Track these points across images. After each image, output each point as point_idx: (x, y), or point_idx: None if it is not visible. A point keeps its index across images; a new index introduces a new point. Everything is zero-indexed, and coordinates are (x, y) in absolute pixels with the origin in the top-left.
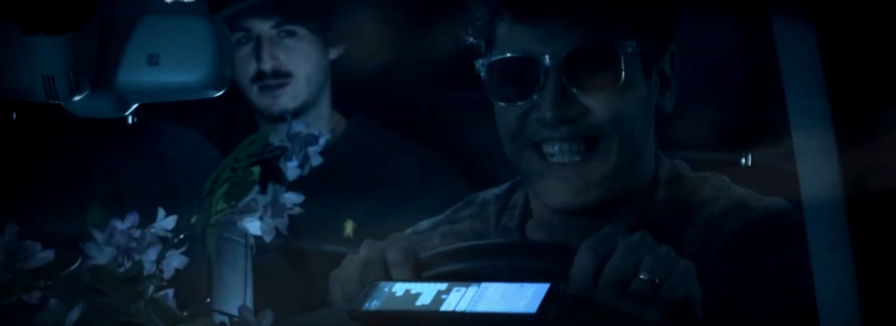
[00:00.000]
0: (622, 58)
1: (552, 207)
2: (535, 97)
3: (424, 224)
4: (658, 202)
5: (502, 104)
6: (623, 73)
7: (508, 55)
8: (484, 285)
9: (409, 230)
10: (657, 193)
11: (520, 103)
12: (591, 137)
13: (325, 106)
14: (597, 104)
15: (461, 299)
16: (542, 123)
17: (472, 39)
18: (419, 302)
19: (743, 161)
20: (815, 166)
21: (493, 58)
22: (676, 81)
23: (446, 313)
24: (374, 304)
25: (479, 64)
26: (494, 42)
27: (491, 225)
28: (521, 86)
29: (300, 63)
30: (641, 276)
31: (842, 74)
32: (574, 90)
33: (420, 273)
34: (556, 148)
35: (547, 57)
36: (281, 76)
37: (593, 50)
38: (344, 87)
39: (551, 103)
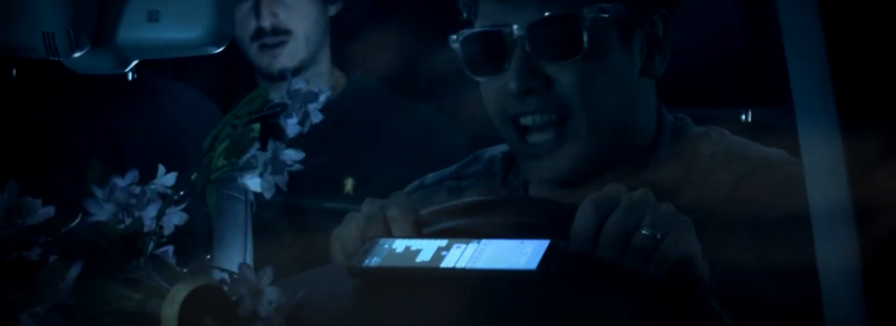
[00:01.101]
0: (584, 26)
1: (547, 181)
2: (506, 68)
3: (430, 177)
4: (659, 161)
5: (479, 78)
6: (585, 42)
7: (477, 29)
8: (484, 242)
9: (415, 183)
10: (658, 152)
11: (492, 76)
12: (561, 110)
13: (324, 63)
14: (562, 74)
15: (461, 255)
16: (511, 95)
17: (464, 15)
18: (419, 259)
19: (743, 117)
20: (816, 126)
21: (464, 34)
22: (670, 45)
23: (446, 269)
24: (373, 261)
25: (451, 40)
26: (475, 18)
27: (497, 182)
28: (492, 59)
29: (299, 20)
30: (643, 232)
31: (843, 33)
32: (540, 60)
33: (421, 230)
34: (530, 119)
35: (514, 27)
36: (280, 33)
37: (554, 18)
38: (344, 44)
39: (516, 74)
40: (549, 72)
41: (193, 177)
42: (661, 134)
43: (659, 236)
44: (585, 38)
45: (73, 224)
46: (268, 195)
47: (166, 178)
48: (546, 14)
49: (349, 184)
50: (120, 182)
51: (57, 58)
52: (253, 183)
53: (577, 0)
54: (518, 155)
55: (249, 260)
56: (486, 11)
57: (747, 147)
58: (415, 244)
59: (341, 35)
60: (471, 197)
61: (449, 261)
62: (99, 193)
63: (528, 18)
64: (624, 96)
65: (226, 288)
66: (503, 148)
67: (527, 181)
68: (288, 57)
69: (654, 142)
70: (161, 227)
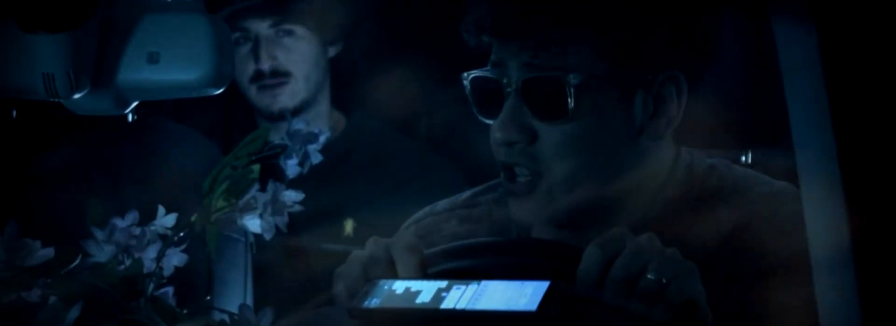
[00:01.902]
0: (569, 90)
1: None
2: (498, 116)
3: (441, 204)
4: (668, 200)
5: (481, 119)
6: (570, 105)
7: (479, 74)
8: (484, 283)
9: (426, 209)
10: (667, 190)
11: (491, 119)
12: (539, 166)
13: (324, 104)
14: (548, 133)
15: (461, 297)
16: (496, 143)
17: (473, 43)
18: (419, 300)
19: (743, 159)
20: (816, 166)
21: (471, 75)
22: (682, 107)
23: (446, 310)
24: (373, 302)
25: (462, 77)
26: (490, 50)
27: (511, 213)
28: (489, 105)
29: (298, 62)
30: (649, 276)
31: (842, 75)
32: (527, 117)
33: (425, 269)
34: (517, 170)
35: (507, 80)
36: (279, 75)
37: (543, 80)
38: (343, 86)
39: (502, 125)
40: (537, 128)
41: (193, 218)
42: (673, 173)
43: (664, 280)
44: (571, 101)
45: (73, 265)
46: (268, 236)
47: (166, 219)
48: (537, 73)
49: (349, 225)
50: (120, 223)
51: (57, 99)
52: (253, 224)
53: (572, 58)
54: (507, 195)
55: (249, 301)
56: (493, 49)
57: (754, 181)
58: (415, 285)
59: (341, 76)
60: (470, 239)
61: (449, 303)
62: (99, 234)
63: (523, 72)
64: (616, 154)
65: None
66: None
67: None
68: (288, 97)
69: (665, 181)
70: (161, 268)
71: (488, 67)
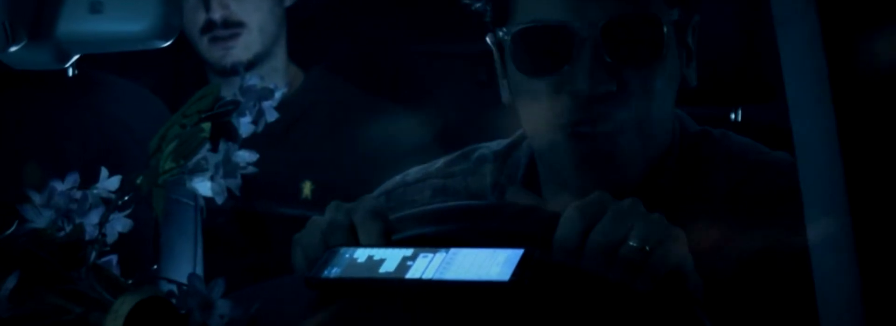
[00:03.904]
0: (665, 30)
1: (570, 188)
2: (567, 68)
3: (413, 172)
4: (666, 166)
5: (527, 77)
6: (665, 48)
7: (536, 24)
8: (453, 251)
9: (397, 178)
10: (668, 159)
11: (548, 77)
12: (627, 117)
13: (280, 57)
14: (635, 79)
15: (428, 266)
16: (576, 97)
17: (478, 4)
18: (383, 269)
19: (733, 116)
20: (811, 122)
21: (518, 27)
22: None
23: (411, 281)
24: (333, 272)
25: (502, 34)
26: (511, 7)
27: (487, 183)
28: (551, 57)
29: (252, 11)
30: (631, 242)
31: (840, 27)
32: (612, 64)
33: (390, 237)
34: (588, 129)
35: (581, 26)
36: (232, 26)
37: (635, 19)
38: (300, 38)
39: (586, 75)
40: (623, 76)
41: (139, 181)
42: (674, 140)
43: (648, 247)
44: (665, 42)
45: (9, 231)
46: (219, 200)
47: (109, 182)
48: (621, 13)
49: (307, 188)
50: (59, 186)
51: None
52: (203, 186)
53: (645, 2)
54: (557, 157)
55: (199, 271)
56: (531, 4)
57: (748, 149)
58: (378, 253)
59: (298, 27)
60: (442, 203)
61: (415, 272)
62: (36, 198)
63: (600, 15)
64: (670, 104)
65: (174, 301)
66: (494, 146)
67: (525, 184)
68: (241, 50)
69: (669, 148)
70: (104, 235)
71: (536, 20)
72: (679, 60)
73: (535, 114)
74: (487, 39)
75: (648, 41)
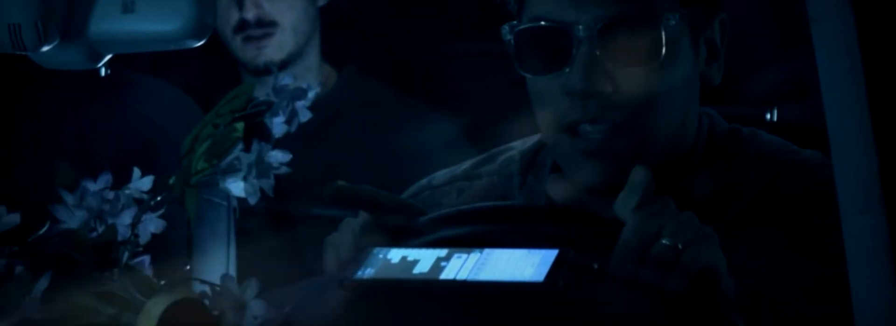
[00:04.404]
0: (663, 33)
1: (589, 191)
2: (567, 70)
3: (440, 176)
4: (693, 166)
5: (530, 76)
6: (664, 49)
7: (537, 23)
8: (487, 251)
9: (423, 182)
10: (693, 157)
11: (547, 76)
12: (623, 118)
13: (313, 57)
14: (630, 80)
15: (462, 266)
16: (573, 97)
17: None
18: (416, 270)
19: (768, 116)
20: (846, 121)
21: (521, 26)
22: (726, 50)
23: (445, 281)
24: (367, 272)
25: (505, 30)
26: (523, 4)
27: (515, 184)
28: (551, 57)
29: (285, 10)
30: (662, 241)
31: (873, 23)
32: (608, 64)
33: (422, 238)
34: (588, 128)
35: (580, 27)
36: (265, 25)
37: (631, 22)
38: (334, 37)
39: (581, 74)
40: (617, 77)
41: (171, 181)
42: (699, 138)
43: (679, 246)
44: (664, 45)
45: (41, 232)
46: (252, 200)
47: (142, 182)
48: (619, 15)
49: None
50: (92, 186)
51: (24, 53)
52: (236, 187)
53: (647, 2)
54: (566, 158)
55: (232, 272)
56: (537, 4)
57: (780, 148)
58: (412, 254)
59: (331, 27)
60: (475, 204)
61: (449, 273)
62: (69, 198)
63: (599, 16)
64: (683, 106)
65: (206, 302)
66: (520, 146)
67: (549, 185)
68: (274, 49)
69: (693, 147)
70: (136, 235)
71: (540, 17)
72: (694, 60)
73: (542, 113)
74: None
75: (646, 44)
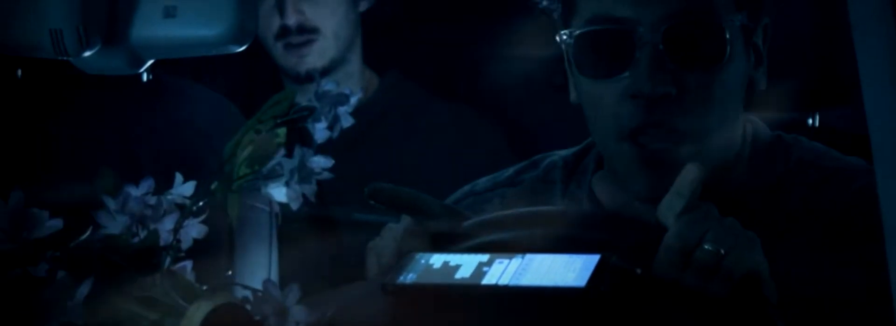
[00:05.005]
0: (728, 33)
1: (641, 197)
2: (628, 74)
3: (482, 182)
4: (738, 173)
5: (589, 80)
6: (728, 50)
7: (599, 26)
8: (529, 256)
9: (466, 188)
10: (739, 163)
11: (608, 80)
12: (688, 121)
13: (355, 62)
14: (698, 83)
15: (504, 271)
16: (637, 100)
17: (544, 2)
18: (458, 275)
19: (810, 122)
20: (889, 127)
21: (579, 30)
22: (768, 55)
23: (488, 286)
24: (409, 277)
25: (564, 35)
26: (574, 6)
27: (557, 191)
28: (612, 61)
29: (327, 16)
30: (705, 246)
31: None
32: (673, 66)
33: (463, 243)
34: (652, 132)
35: (642, 29)
36: (307, 31)
37: (697, 23)
38: (375, 42)
39: (648, 76)
40: (682, 79)
41: (214, 187)
42: (744, 144)
43: (722, 251)
44: (728, 47)
45: (84, 237)
46: (294, 206)
47: (184, 188)
48: (684, 17)
49: None
50: (134, 191)
51: (66, 58)
52: (278, 192)
53: (710, 1)
54: (623, 165)
55: (274, 277)
56: (596, 2)
57: (823, 155)
58: (454, 259)
59: (373, 32)
60: (516, 209)
61: (491, 278)
62: (111, 204)
63: (663, 15)
64: (737, 109)
65: (249, 307)
66: (564, 153)
67: (592, 191)
68: (316, 56)
69: (738, 154)
70: (178, 241)
71: (596, 17)
72: (747, 64)
73: (599, 118)
74: (557, 38)
75: (711, 45)
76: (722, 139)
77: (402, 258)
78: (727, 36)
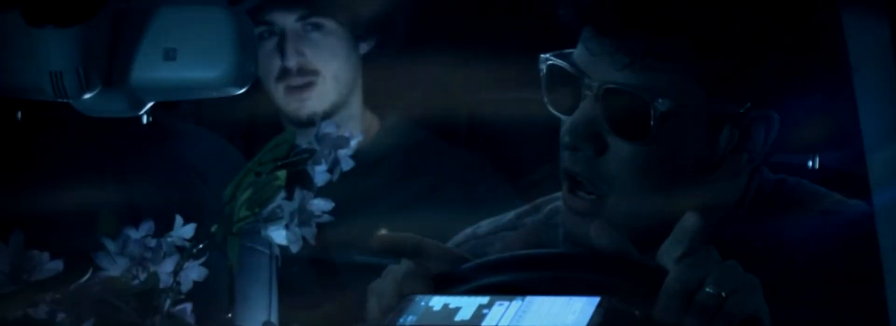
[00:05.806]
0: (654, 115)
1: (568, 241)
2: (571, 116)
3: (484, 225)
4: (740, 216)
5: (553, 111)
6: (653, 129)
7: (559, 63)
8: (529, 299)
9: (468, 231)
10: (740, 207)
11: (561, 115)
12: (604, 182)
13: (356, 105)
14: (619, 148)
15: (504, 314)
16: (563, 145)
17: (563, 20)
18: (458, 318)
19: (810, 163)
20: (889, 169)
21: (551, 60)
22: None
23: None
24: (409, 319)
25: (541, 58)
26: (580, 36)
27: (560, 235)
28: (564, 99)
29: (328, 59)
30: (707, 289)
31: None
32: (604, 125)
33: (464, 286)
34: (570, 182)
35: (589, 80)
36: (307, 74)
37: (629, 96)
38: (376, 85)
39: (572, 127)
40: (608, 140)
41: (213, 229)
42: (748, 192)
43: (723, 294)
44: (654, 125)
45: (84, 279)
46: (294, 248)
47: (184, 230)
48: (624, 83)
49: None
50: (134, 234)
51: (66, 100)
52: (278, 235)
53: (665, 77)
54: (565, 207)
55: (274, 319)
56: (583, 41)
57: (823, 198)
58: (454, 301)
59: (373, 75)
60: (517, 251)
61: (490, 320)
62: (111, 246)
63: (608, 77)
64: (689, 181)
65: None
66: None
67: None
68: (317, 100)
69: (740, 200)
70: (178, 283)
71: (570, 56)
72: (715, 145)
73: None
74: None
75: (637, 120)
76: (674, 205)
77: (402, 300)
78: (654, 116)
